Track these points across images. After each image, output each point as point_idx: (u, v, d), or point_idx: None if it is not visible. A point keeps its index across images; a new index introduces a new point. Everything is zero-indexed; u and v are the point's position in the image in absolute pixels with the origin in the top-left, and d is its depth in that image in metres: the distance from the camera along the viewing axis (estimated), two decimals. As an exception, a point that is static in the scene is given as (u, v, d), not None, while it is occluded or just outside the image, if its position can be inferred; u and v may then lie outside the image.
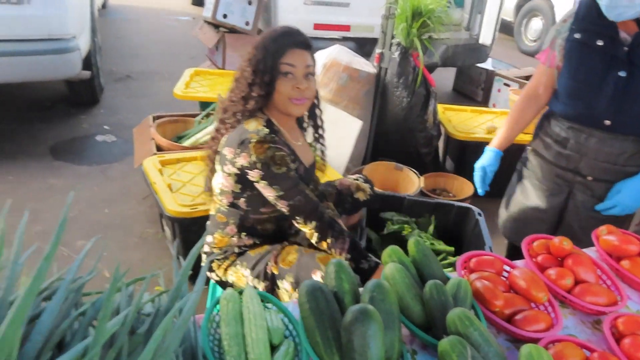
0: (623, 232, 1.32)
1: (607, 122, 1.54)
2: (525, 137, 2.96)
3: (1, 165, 3.11)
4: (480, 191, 1.89)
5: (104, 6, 6.96)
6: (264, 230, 1.61)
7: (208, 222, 1.69)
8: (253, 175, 1.43)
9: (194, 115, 3.08)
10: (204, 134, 2.73)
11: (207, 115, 3.01)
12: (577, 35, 1.56)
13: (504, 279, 1.19)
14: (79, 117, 3.88)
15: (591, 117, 1.57)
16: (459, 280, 1.06)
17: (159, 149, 2.69)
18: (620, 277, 1.27)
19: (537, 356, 0.86)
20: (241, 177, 1.48)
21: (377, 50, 3.01)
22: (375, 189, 2.06)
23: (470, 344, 0.88)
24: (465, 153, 3.29)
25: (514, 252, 1.93)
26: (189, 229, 2.12)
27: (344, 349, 0.87)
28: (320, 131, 1.76)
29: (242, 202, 1.54)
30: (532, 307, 1.10)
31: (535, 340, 0.99)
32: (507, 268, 1.22)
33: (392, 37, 2.96)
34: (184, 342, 0.86)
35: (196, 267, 1.75)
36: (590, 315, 1.16)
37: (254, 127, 1.44)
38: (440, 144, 3.50)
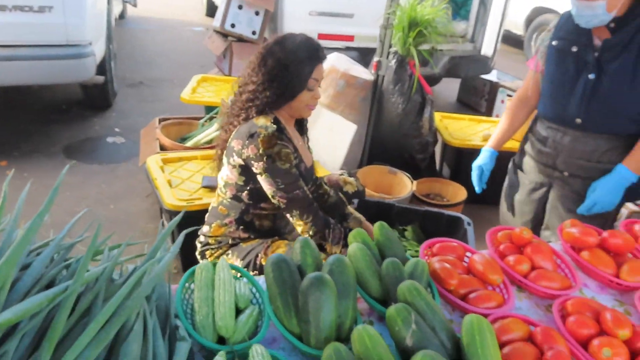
0: (585, 225, 1.40)
1: (578, 121, 1.66)
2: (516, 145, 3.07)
3: (18, 162, 3.29)
4: (477, 189, 2.02)
5: (122, 17, 7.21)
6: (261, 226, 1.71)
7: (207, 214, 1.79)
8: (257, 167, 1.53)
9: (198, 119, 3.22)
10: (205, 134, 2.86)
11: (210, 119, 3.15)
12: (554, 42, 1.70)
13: (465, 264, 1.28)
14: (92, 120, 4.05)
15: (565, 117, 1.70)
16: (417, 260, 1.15)
17: (163, 148, 2.82)
18: (580, 267, 1.35)
19: (477, 324, 0.94)
20: (245, 169, 1.58)
21: (375, 59, 3.12)
22: (367, 195, 2.17)
23: (417, 311, 0.97)
24: (461, 160, 3.37)
25: None
26: (185, 222, 2.23)
27: (300, 311, 0.96)
28: (307, 132, 1.88)
29: (244, 195, 1.63)
30: (487, 288, 1.19)
31: (485, 316, 1.07)
32: (469, 254, 1.30)
33: (390, 46, 3.07)
34: (159, 301, 0.96)
35: (190, 259, 1.86)
36: (544, 299, 1.23)
37: (263, 123, 1.55)
38: (438, 151, 3.58)
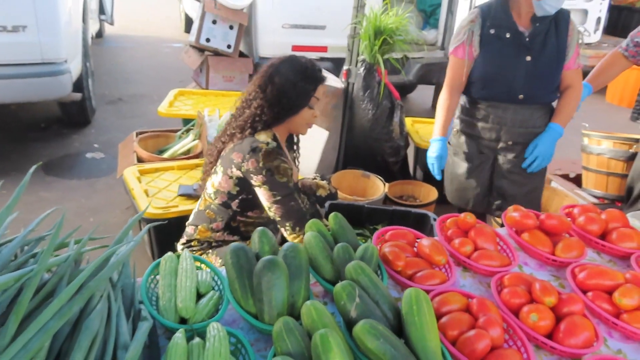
0: (527, 210, 1.51)
1: (521, 96, 1.99)
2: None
3: (-4, 180, 3.32)
4: (438, 177, 2.19)
5: (100, 35, 7.28)
6: (246, 232, 1.80)
7: (192, 217, 1.87)
8: (256, 180, 1.63)
9: (175, 131, 3.30)
10: (182, 145, 2.95)
11: (187, 131, 3.24)
12: (492, 31, 1.96)
13: (416, 248, 1.38)
14: (71, 137, 4.12)
15: (509, 94, 2.00)
16: (367, 245, 1.25)
17: (141, 161, 2.90)
18: (522, 248, 1.46)
19: (415, 295, 1.03)
20: (242, 181, 1.67)
21: (345, 67, 3.25)
22: (341, 198, 2.26)
23: (361, 287, 1.06)
24: (431, 161, 3.49)
25: None
26: (162, 230, 2.30)
27: (255, 291, 1.05)
28: (298, 150, 2.01)
29: (234, 203, 1.72)
30: (432, 268, 1.29)
31: (428, 292, 1.17)
32: (419, 240, 1.40)
33: (358, 55, 3.20)
34: (125, 290, 1.05)
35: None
36: (486, 276, 1.34)
37: (264, 139, 1.67)
38: (411, 155, 3.71)
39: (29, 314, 0.79)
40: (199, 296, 1.11)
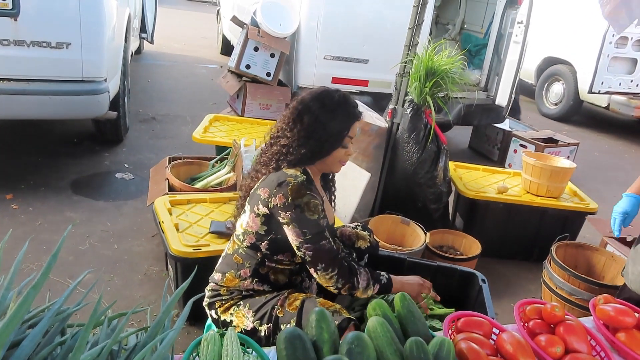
0: (620, 302, 1.30)
1: None
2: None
3: (24, 196, 3.23)
4: (617, 233, 1.93)
5: (139, 52, 7.34)
6: (276, 280, 1.64)
7: (220, 262, 1.72)
8: (284, 217, 1.49)
9: (209, 159, 3.18)
10: (215, 177, 2.81)
11: (221, 160, 3.11)
12: None
13: (492, 342, 1.18)
14: (102, 155, 4.03)
15: None
16: (442, 339, 1.06)
17: (172, 189, 2.77)
18: (616, 350, 1.24)
19: None
20: (269, 218, 1.54)
21: (390, 106, 3.10)
22: (380, 247, 2.09)
23: (445, 405, 0.87)
24: (475, 211, 3.28)
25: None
26: (191, 269, 2.14)
27: (316, 400, 0.87)
28: (334, 188, 1.86)
29: (263, 245, 1.58)
30: (517, 373, 1.08)
31: (517, 408, 0.97)
32: (496, 331, 1.21)
33: (406, 95, 3.05)
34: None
35: (196, 308, 1.77)
36: (579, 386, 1.13)
37: (293, 173, 1.52)
38: (451, 201, 3.50)
39: None
40: (245, 393, 0.93)
